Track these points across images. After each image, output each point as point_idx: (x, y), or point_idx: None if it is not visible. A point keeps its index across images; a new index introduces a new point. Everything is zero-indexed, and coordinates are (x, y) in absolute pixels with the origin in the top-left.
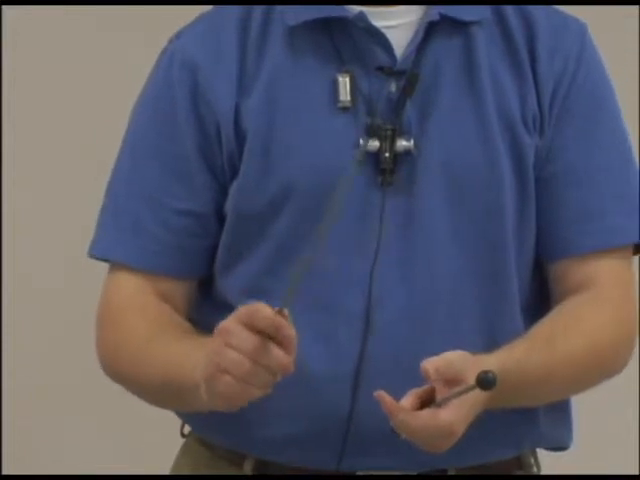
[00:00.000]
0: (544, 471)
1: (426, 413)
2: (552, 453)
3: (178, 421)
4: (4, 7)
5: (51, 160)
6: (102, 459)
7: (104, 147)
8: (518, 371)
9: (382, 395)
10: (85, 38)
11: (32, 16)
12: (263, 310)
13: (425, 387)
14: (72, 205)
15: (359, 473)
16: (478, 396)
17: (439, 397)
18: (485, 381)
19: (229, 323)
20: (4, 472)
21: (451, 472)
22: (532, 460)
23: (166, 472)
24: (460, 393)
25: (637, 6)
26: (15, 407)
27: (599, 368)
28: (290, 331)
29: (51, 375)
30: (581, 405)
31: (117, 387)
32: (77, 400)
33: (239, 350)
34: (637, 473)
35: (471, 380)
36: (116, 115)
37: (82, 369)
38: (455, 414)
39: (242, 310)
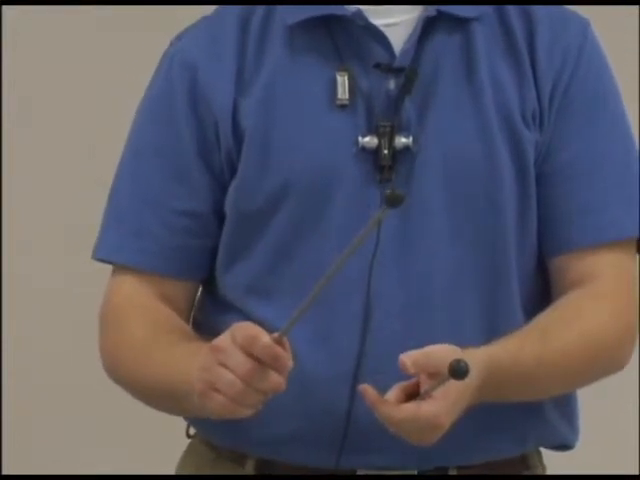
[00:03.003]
0: (545, 465)
1: (409, 406)
2: (553, 453)
3: (184, 423)
4: (4, 7)
5: (51, 160)
6: (106, 460)
7: (104, 147)
8: (510, 362)
9: (365, 388)
10: (85, 38)
11: (32, 16)
12: (262, 338)
13: (410, 381)
14: (72, 205)
15: (359, 472)
16: (465, 387)
17: (422, 390)
18: (457, 370)
19: (224, 343)
20: (4, 472)
21: (452, 472)
22: (537, 461)
23: (171, 472)
24: (437, 385)
25: (637, 6)
26: (15, 407)
27: (597, 362)
28: (288, 362)
29: (53, 375)
30: (581, 405)
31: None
32: (80, 401)
33: (233, 372)
34: (637, 473)
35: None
36: (116, 115)
37: (86, 369)
38: (438, 406)
39: (239, 332)
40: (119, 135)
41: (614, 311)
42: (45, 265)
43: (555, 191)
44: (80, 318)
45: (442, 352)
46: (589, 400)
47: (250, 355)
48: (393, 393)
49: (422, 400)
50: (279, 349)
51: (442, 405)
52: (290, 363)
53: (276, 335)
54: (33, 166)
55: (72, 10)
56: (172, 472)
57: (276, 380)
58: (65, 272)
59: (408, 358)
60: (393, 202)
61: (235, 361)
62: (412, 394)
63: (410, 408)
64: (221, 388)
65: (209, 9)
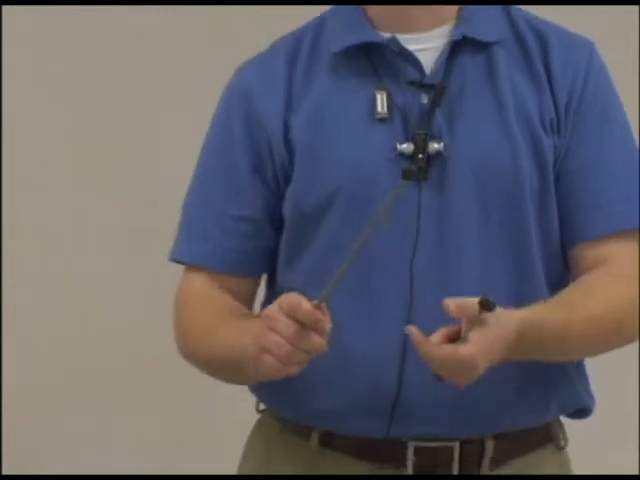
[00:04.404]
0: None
1: (448, 346)
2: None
3: (253, 400)
4: (4, 7)
5: (50, 160)
6: (180, 433)
7: (103, 146)
8: (540, 324)
9: (411, 329)
10: (85, 38)
11: (32, 16)
12: (304, 305)
13: (453, 327)
14: (71, 206)
15: (404, 439)
16: (501, 337)
17: (462, 335)
18: (485, 303)
19: (273, 311)
20: (4, 472)
21: (488, 440)
22: (559, 431)
23: (241, 445)
24: (467, 329)
25: (637, 6)
26: (15, 407)
27: (616, 330)
28: (326, 324)
29: (54, 374)
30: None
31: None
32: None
33: (280, 334)
34: (637, 473)
35: (491, 319)
36: (116, 115)
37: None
38: (475, 349)
39: (285, 300)
40: (119, 134)
41: (628, 285)
42: (44, 266)
43: (570, 189)
44: (82, 317)
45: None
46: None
47: (294, 320)
48: (436, 335)
49: (461, 343)
50: (319, 313)
51: (479, 347)
52: (329, 326)
53: (315, 302)
54: (31, 166)
55: (72, 10)
56: (242, 445)
57: (317, 341)
58: (66, 273)
59: (452, 302)
60: (407, 175)
61: (282, 325)
62: (454, 338)
63: (449, 349)
64: (271, 349)
65: (209, 9)
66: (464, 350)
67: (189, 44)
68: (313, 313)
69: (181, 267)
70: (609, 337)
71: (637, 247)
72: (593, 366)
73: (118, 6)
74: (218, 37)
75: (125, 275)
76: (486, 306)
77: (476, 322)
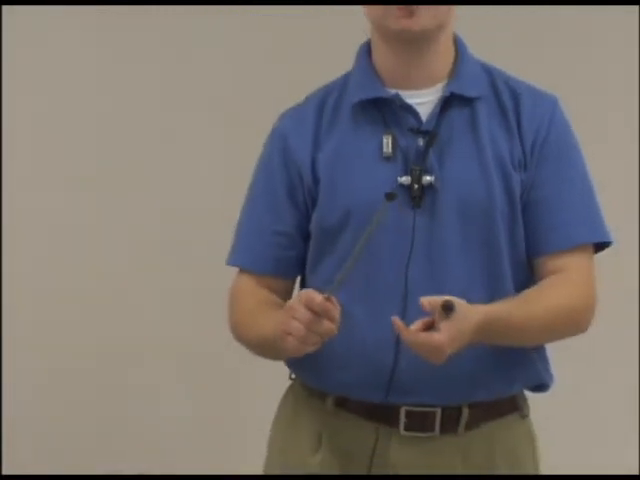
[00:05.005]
0: (546, 467)
1: (423, 334)
2: (552, 451)
3: (286, 371)
4: (4, 7)
5: (50, 160)
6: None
7: (103, 146)
8: (503, 317)
9: (396, 320)
10: (85, 38)
11: (32, 16)
12: (316, 297)
13: (429, 318)
14: (70, 205)
15: (398, 404)
16: (464, 328)
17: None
18: (445, 306)
19: (293, 302)
20: (4, 473)
21: (464, 408)
22: (523, 403)
23: (261, 398)
24: (439, 319)
25: (637, 6)
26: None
27: (567, 323)
28: (335, 313)
29: (55, 374)
30: (582, 405)
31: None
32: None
33: (299, 321)
34: (637, 473)
35: (459, 313)
36: (116, 115)
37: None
38: (444, 335)
39: (302, 294)
40: (119, 134)
41: (578, 288)
42: (45, 266)
43: (535, 215)
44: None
45: (450, 298)
46: (590, 401)
47: (310, 309)
48: (415, 324)
49: (434, 332)
50: (329, 304)
51: (447, 336)
52: (337, 314)
53: (325, 295)
54: (31, 166)
55: (72, 10)
56: (276, 404)
57: (329, 326)
58: (65, 274)
59: (425, 299)
60: (390, 197)
61: (300, 314)
62: (429, 327)
63: (424, 335)
64: (292, 332)
65: (207, 9)
66: (436, 337)
67: (189, 44)
68: (324, 304)
69: (180, 268)
70: (561, 328)
71: (586, 258)
72: (593, 367)
73: (118, 6)
74: (219, 38)
75: (126, 274)
76: (446, 309)
77: (446, 315)
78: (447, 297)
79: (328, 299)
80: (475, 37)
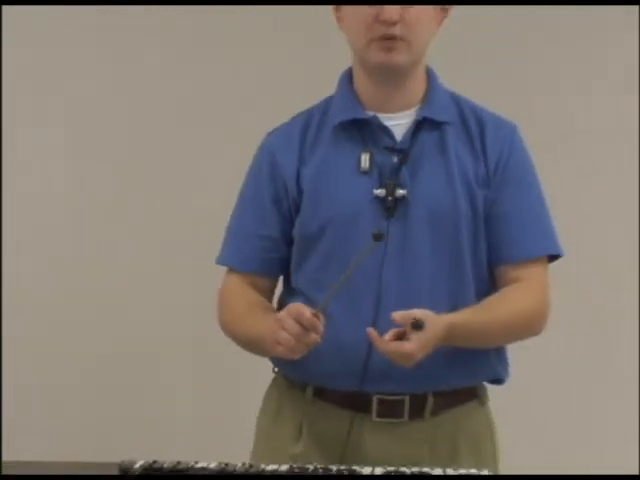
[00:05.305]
0: (546, 466)
1: (395, 343)
2: (551, 451)
3: (270, 365)
4: (4, 7)
5: (50, 160)
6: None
7: (103, 146)
8: (466, 324)
9: (371, 331)
10: (84, 38)
11: (32, 16)
12: (305, 312)
13: (401, 329)
14: (71, 206)
15: (371, 393)
16: (431, 336)
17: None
18: (415, 325)
19: (283, 315)
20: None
21: (429, 396)
22: (482, 393)
23: (261, 396)
24: (410, 332)
25: (637, 6)
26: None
27: (523, 327)
28: (320, 327)
29: (55, 373)
30: (582, 405)
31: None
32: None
33: (288, 332)
34: (637, 473)
35: (427, 324)
36: (116, 115)
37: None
38: (414, 345)
39: (292, 308)
40: (119, 134)
41: (533, 296)
42: (44, 266)
43: (497, 229)
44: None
45: (419, 312)
46: (590, 401)
47: (298, 322)
48: (388, 334)
49: (405, 341)
50: (316, 320)
51: (417, 345)
52: (322, 328)
53: (314, 311)
54: (30, 167)
55: (72, 10)
56: (261, 396)
57: (315, 338)
58: (64, 273)
59: (397, 314)
60: (377, 238)
61: (289, 326)
62: (401, 337)
63: (395, 344)
64: (281, 342)
65: (206, 9)
66: (407, 346)
67: (189, 45)
68: (312, 320)
69: (180, 269)
70: (519, 332)
71: (542, 269)
72: (594, 369)
73: (118, 6)
74: (219, 38)
75: (126, 274)
76: (415, 327)
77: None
78: (417, 313)
79: (316, 315)
80: (475, 37)
